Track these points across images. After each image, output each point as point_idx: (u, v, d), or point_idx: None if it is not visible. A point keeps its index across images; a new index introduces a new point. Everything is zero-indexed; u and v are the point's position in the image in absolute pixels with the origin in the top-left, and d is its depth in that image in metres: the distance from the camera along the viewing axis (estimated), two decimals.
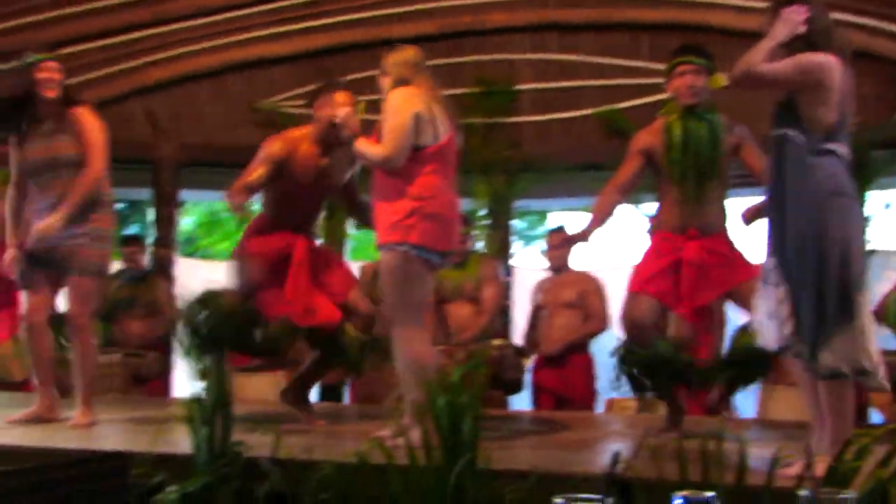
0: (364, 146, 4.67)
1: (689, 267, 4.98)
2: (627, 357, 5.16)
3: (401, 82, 4.69)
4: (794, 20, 3.85)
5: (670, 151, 5.05)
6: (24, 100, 5.39)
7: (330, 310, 5.37)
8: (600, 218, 5.28)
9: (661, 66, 8.57)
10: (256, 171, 5.31)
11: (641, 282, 5.06)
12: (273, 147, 5.41)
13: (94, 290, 5.35)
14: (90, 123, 5.41)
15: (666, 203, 5.14)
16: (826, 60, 3.81)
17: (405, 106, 4.56)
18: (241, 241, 5.58)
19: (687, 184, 4.99)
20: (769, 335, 3.88)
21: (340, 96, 5.35)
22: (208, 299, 5.42)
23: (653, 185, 5.32)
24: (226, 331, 5.32)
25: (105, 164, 5.41)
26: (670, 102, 5.25)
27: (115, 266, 8.41)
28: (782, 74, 3.81)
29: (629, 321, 5.09)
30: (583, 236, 5.28)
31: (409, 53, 4.80)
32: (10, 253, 5.34)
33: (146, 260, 8.53)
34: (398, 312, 4.61)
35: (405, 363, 4.55)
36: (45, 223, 5.21)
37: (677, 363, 5.09)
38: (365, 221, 5.53)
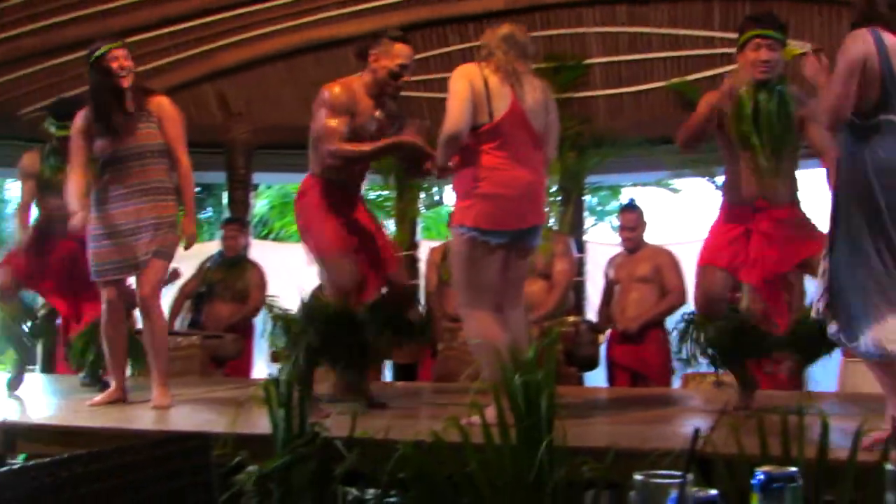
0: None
1: (758, 238, 4.89)
2: (698, 331, 5.07)
3: (483, 59, 4.64)
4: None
5: (740, 124, 4.95)
6: (110, 92, 5.41)
7: (378, 283, 5.32)
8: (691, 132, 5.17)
9: (733, 36, 8.49)
10: (338, 121, 5.08)
11: (711, 254, 4.98)
12: (338, 93, 5.17)
13: (162, 273, 5.39)
14: (172, 113, 5.49)
15: (734, 174, 5.04)
16: (854, 48, 3.73)
17: (458, 82, 4.52)
18: (315, 231, 5.23)
19: (756, 156, 4.89)
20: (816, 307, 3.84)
21: (401, 48, 5.23)
22: (314, 312, 5.05)
23: (720, 155, 5.21)
24: (336, 343, 5.04)
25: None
26: (739, 72, 5.13)
27: (213, 249, 8.58)
28: (841, 92, 3.74)
29: (701, 294, 5.03)
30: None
31: (498, 30, 4.72)
32: (79, 216, 5.35)
33: (244, 244, 8.54)
34: (464, 294, 4.59)
35: (474, 343, 4.54)
36: (190, 233, 5.46)
37: (749, 336, 5.01)
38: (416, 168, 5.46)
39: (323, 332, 4.92)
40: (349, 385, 5.39)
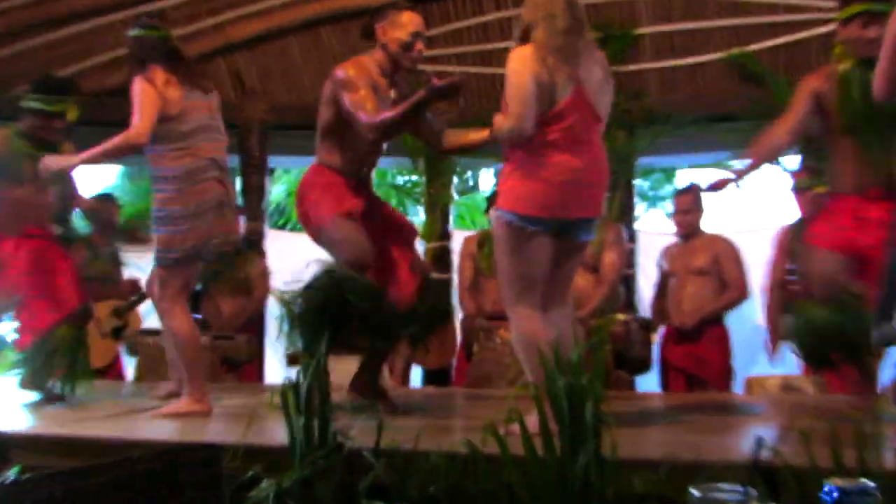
0: (496, 121, 4.59)
1: (872, 229, 4.82)
2: (809, 323, 4.97)
3: (526, 32, 4.59)
4: None
5: (846, 105, 4.88)
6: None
7: (408, 277, 5.32)
8: (761, 158, 5.13)
9: (799, 2, 8.43)
10: (364, 92, 5.08)
11: (824, 237, 4.93)
12: (353, 72, 5.17)
13: (165, 275, 5.47)
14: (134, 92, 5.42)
15: (841, 161, 4.98)
16: None
17: (521, 75, 4.47)
18: (313, 204, 5.25)
19: (866, 140, 4.82)
20: None
21: (410, 16, 5.25)
22: (329, 281, 5.01)
23: (822, 140, 5.15)
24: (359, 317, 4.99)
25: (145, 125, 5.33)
26: (841, 47, 5.05)
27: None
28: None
29: (818, 277, 4.95)
30: (737, 177, 5.12)
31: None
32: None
33: (240, 232, 8.57)
34: (507, 288, 4.57)
35: (517, 342, 4.53)
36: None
37: (865, 331, 4.91)
38: (439, 144, 5.45)
39: (340, 306, 4.90)
40: (361, 384, 5.38)
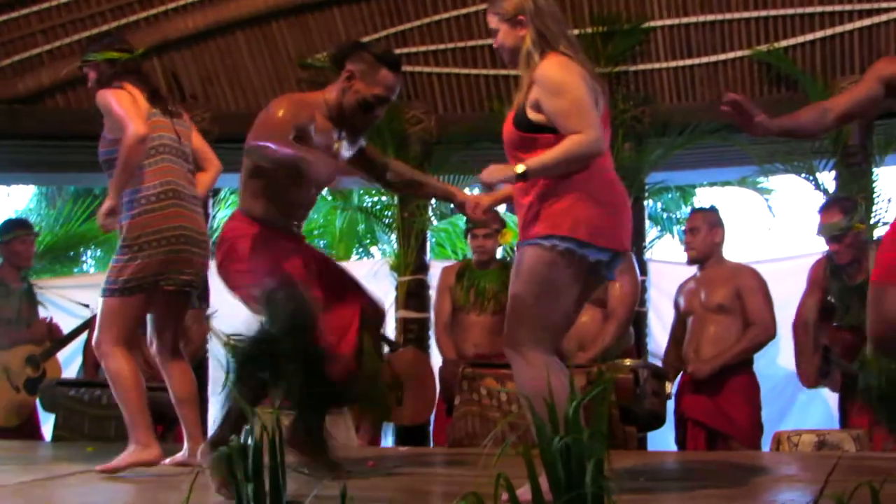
0: (553, 152, 4.53)
1: None
2: (874, 373, 4.98)
3: (543, 41, 4.59)
4: None
5: None
6: None
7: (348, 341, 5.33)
8: (794, 121, 5.12)
9: None
10: (285, 127, 5.11)
11: (891, 271, 4.94)
12: (296, 111, 5.19)
13: (111, 310, 5.60)
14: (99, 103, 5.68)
15: None
16: None
17: (571, 77, 4.47)
18: (236, 258, 5.25)
19: None
20: None
21: (386, 76, 5.23)
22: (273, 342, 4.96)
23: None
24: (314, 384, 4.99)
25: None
26: None
27: None
28: None
29: (880, 322, 4.97)
30: (760, 127, 5.09)
31: None
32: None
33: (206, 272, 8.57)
34: (526, 328, 4.52)
35: (530, 394, 4.39)
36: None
37: None
38: (385, 181, 5.55)
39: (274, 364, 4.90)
40: (298, 440, 5.34)
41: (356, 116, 5.25)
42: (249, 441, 3.71)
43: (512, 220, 12.48)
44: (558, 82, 4.40)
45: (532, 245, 4.43)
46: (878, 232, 7.49)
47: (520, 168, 4.33)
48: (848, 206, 7.40)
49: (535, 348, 4.45)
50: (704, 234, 7.56)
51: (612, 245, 4.49)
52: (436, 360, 8.33)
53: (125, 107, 5.51)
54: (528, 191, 4.47)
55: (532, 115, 4.44)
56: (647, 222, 9.51)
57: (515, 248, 4.59)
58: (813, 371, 7.47)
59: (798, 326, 7.51)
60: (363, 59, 5.23)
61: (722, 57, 8.93)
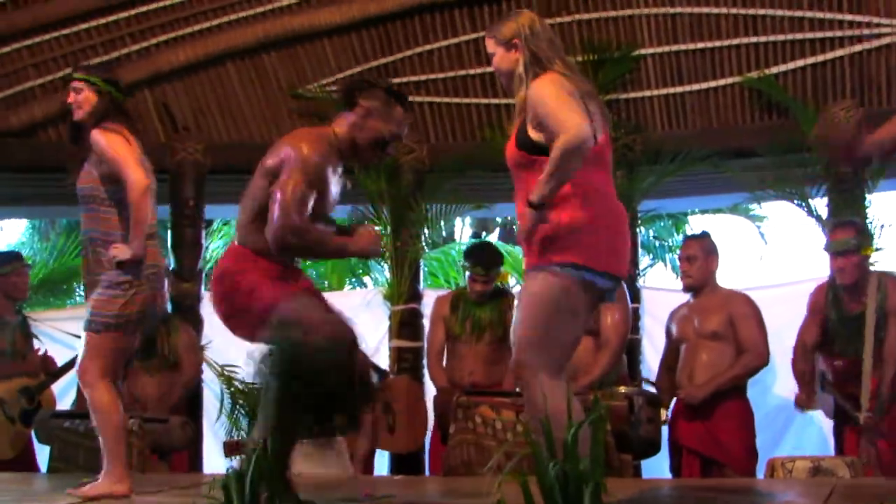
0: (547, 168, 4.49)
1: None
2: None
3: (537, 63, 4.62)
4: None
5: None
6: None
7: None
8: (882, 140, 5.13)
9: (826, 15, 8.51)
10: (308, 192, 5.01)
11: None
12: (325, 152, 5.10)
13: (96, 344, 5.62)
14: (101, 147, 5.71)
15: None
16: None
17: (556, 87, 4.49)
18: (248, 289, 5.11)
19: None
20: None
21: (401, 114, 5.19)
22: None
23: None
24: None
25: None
26: None
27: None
28: None
29: None
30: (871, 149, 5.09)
31: (539, 22, 4.71)
32: None
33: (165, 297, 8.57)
34: (538, 354, 4.51)
35: (552, 417, 4.37)
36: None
37: None
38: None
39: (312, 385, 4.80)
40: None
41: (367, 153, 5.20)
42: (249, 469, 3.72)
43: (505, 247, 12.51)
44: (543, 93, 4.45)
45: (547, 271, 4.47)
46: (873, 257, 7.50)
47: (532, 198, 4.39)
48: (860, 228, 7.43)
49: (549, 373, 4.46)
50: (701, 262, 7.55)
51: (618, 272, 4.57)
52: (430, 388, 8.33)
53: (125, 154, 5.58)
54: (538, 218, 4.50)
55: (533, 134, 4.49)
56: (640, 250, 9.51)
57: (525, 274, 4.58)
58: (810, 395, 7.47)
59: (798, 351, 7.51)
60: (377, 96, 5.15)
61: (713, 84, 8.96)
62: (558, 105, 4.39)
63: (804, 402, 7.50)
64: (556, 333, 4.48)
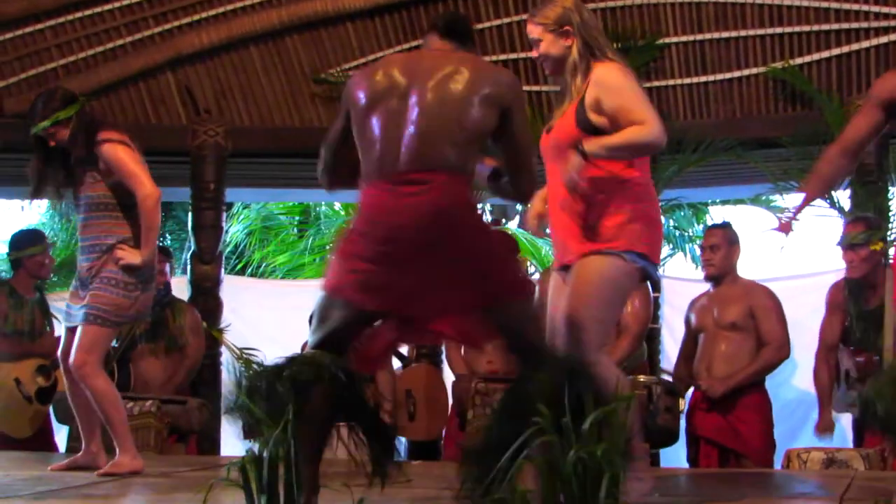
0: (615, 136, 4.48)
1: None
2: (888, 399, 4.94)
3: (589, 50, 4.64)
4: None
5: None
6: None
7: None
8: (819, 189, 5.24)
9: (853, 6, 8.47)
10: None
11: None
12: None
13: (98, 339, 5.94)
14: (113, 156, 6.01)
15: None
16: None
17: (633, 80, 4.65)
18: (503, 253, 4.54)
19: None
20: None
21: None
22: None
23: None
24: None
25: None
26: None
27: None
28: None
29: None
30: (793, 214, 5.23)
31: (586, 9, 4.74)
32: None
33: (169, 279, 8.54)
34: (594, 335, 4.52)
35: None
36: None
37: None
38: None
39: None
40: None
41: None
42: (265, 454, 3.72)
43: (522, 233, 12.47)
44: (620, 81, 4.57)
45: (611, 255, 4.54)
46: (892, 250, 7.47)
47: (587, 148, 4.42)
48: (873, 223, 7.40)
49: (597, 352, 4.51)
50: (724, 251, 7.53)
51: (657, 261, 4.78)
52: (448, 375, 8.32)
53: (137, 168, 5.95)
54: (594, 203, 4.57)
55: (593, 117, 4.51)
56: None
57: (583, 257, 4.58)
58: (829, 422, 7.44)
59: (819, 356, 7.47)
60: None
61: (737, 74, 8.93)
62: (640, 98, 4.56)
63: (822, 429, 7.45)
64: (609, 314, 4.67)
